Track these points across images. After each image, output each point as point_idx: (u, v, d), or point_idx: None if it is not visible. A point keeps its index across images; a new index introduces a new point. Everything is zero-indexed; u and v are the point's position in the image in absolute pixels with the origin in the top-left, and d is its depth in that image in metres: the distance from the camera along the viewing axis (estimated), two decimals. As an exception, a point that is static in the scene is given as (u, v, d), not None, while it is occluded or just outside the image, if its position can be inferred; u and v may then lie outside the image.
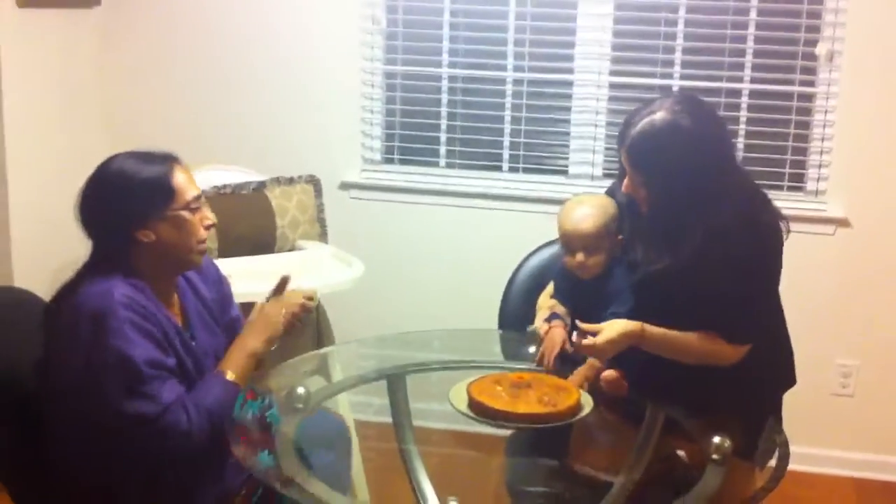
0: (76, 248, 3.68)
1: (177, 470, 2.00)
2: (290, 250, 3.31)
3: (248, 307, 2.23)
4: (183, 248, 2.03)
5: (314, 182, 3.48)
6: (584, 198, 2.33)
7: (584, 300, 2.28)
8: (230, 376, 2.04)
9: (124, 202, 1.98)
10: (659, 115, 2.10)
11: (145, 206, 1.98)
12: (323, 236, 3.47)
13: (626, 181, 2.18)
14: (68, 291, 1.99)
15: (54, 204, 3.52)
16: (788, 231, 2.22)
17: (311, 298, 2.19)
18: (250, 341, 2.10)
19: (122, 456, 1.95)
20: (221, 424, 1.98)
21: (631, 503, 2.02)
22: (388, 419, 2.40)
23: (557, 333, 2.24)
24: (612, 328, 2.11)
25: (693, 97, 2.40)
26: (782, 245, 2.21)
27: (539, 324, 2.31)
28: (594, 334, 2.09)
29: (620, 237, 2.28)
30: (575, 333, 2.12)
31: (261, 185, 3.30)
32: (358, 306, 3.38)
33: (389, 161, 3.82)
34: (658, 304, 2.17)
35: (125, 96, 3.84)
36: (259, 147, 3.71)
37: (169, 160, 2.03)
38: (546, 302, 2.41)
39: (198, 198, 2.04)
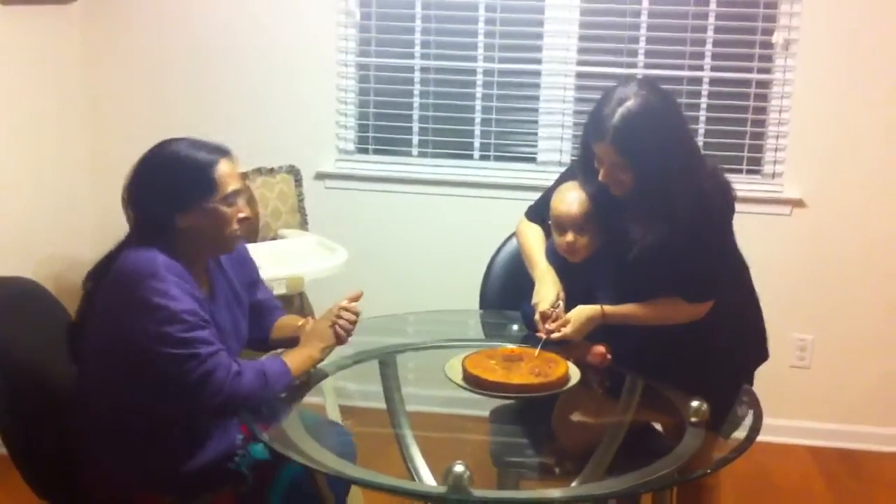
0: (55, 244, 3.72)
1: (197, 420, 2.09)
2: (272, 239, 3.39)
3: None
4: (216, 238, 2.12)
5: (294, 172, 3.56)
6: (576, 184, 2.45)
7: (571, 282, 2.42)
8: (285, 359, 2.15)
9: (167, 187, 2.07)
10: (631, 102, 2.22)
11: (186, 194, 2.07)
12: (303, 225, 3.55)
13: (603, 171, 2.29)
14: (110, 260, 2.08)
15: (34, 199, 3.57)
16: (735, 194, 2.38)
17: (354, 309, 2.29)
18: (307, 350, 2.21)
19: (157, 402, 2.04)
20: (268, 391, 2.07)
21: (611, 470, 2.13)
22: (371, 404, 2.50)
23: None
24: (578, 316, 2.31)
25: (646, 79, 2.53)
26: (733, 203, 2.38)
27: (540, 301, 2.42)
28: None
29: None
30: (546, 327, 2.31)
31: (243, 176, 3.37)
32: (338, 293, 3.46)
33: (363, 151, 3.91)
34: (653, 277, 2.32)
35: (106, 89, 3.89)
36: (236, 138, 3.73)
37: (217, 152, 2.11)
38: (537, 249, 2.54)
39: (237, 192, 2.12)
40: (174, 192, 2.07)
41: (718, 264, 2.37)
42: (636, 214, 2.30)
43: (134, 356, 2.00)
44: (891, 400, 3.76)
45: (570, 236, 2.39)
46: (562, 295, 2.38)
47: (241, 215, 2.13)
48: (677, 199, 2.25)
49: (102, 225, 3.73)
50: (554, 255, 2.48)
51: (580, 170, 2.44)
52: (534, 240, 2.57)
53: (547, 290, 2.39)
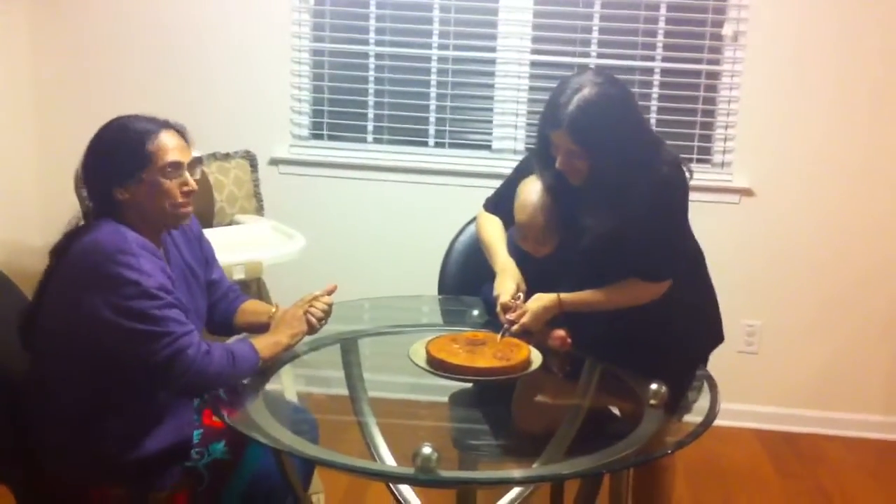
0: (1, 231, 3.61)
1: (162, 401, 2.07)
2: (228, 225, 3.36)
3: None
4: (157, 211, 2.08)
5: (250, 157, 3.54)
6: (539, 187, 2.45)
7: (532, 273, 2.45)
8: (254, 343, 2.15)
9: (108, 161, 2.05)
10: (588, 91, 2.25)
11: (124, 166, 2.03)
12: (259, 210, 3.53)
13: (560, 159, 2.32)
14: (73, 238, 2.04)
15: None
16: (692, 173, 2.42)
17: (327, 300, 2.32)
18: (276, 335, 2.21)
19: (122, 381, 2.03)
20: (235, 372, 2.06)
21: (570, 452, 2.15)
22: (333, 390, 2.51)
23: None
24: (536, 306, 2.35)
25: (600, 69, 2.52)
26: (688, 184, 2.42)
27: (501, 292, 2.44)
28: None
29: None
30: (506, 317, 2.33)
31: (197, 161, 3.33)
32: (293, 279, 3.45)
33: (318, 137, 3.91)
34: (611, 263, 2.35)
35: (53, 76, 3.83)
36: (190, 123, 3.69)
37: (159, 124, 2.08)
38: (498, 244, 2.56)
39: (176, 164, 2.07)
40: (114, 166, 2.04)
41: (675, 243, 2.42)
42: (592, 203, 2.33)
43: (97, 333, 1.95)
44: (836, 385, 3.87)
45: (533, 244, 2.44)
46: (522, 286, 2.41)
47: (185, 188, 2.09)
48: (634, 187, 2.28)
49: (48, 212, 3.68)
50: (514, 247, 2.50)
51: (537, 160, 2.46)
52: (493, 232, 2.59)
53: (507, 282, 2.42)
